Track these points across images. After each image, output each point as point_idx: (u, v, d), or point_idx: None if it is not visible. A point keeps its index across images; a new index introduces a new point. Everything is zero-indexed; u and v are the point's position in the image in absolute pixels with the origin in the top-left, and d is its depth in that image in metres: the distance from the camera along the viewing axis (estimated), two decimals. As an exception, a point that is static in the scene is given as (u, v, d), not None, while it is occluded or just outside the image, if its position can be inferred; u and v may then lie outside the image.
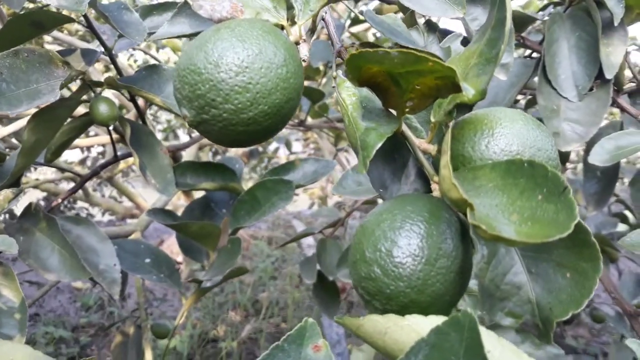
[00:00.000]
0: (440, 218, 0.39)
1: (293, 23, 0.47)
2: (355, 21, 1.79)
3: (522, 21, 1.03)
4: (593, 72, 0.88)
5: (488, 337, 0.33)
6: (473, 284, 0.43)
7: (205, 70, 0.39)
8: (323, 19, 0.48)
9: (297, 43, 0.45)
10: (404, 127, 0.44)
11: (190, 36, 0.51)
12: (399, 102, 0.41)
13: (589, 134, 0.86)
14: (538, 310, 0.39)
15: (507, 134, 0.42)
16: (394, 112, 0.43)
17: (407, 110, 0.41)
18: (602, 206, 1.01)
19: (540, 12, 1.31)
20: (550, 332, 0.38)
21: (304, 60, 0.44)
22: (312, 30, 0.47)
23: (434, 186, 0.43)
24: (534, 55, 1.05)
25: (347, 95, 0.42)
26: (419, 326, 0.34)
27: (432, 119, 0.43)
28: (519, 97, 1.54)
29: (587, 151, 1.02)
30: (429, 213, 0.39)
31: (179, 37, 0.49)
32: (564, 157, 1.26)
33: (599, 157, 0.83)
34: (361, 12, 1.27)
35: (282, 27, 0.47)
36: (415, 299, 0.37)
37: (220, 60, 0.39)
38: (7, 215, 1.85)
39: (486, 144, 0.42)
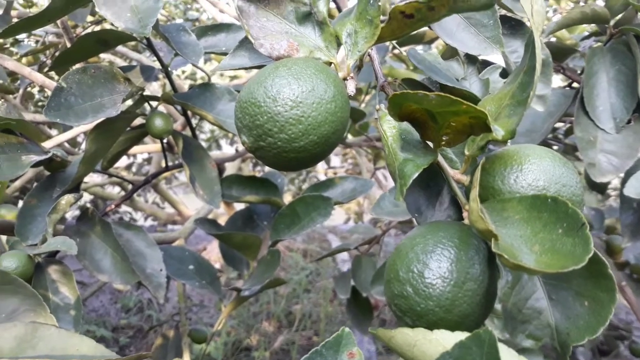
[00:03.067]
0: (470, 245, 0.43)
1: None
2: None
3: (563, 52, 1.05)
4: (631, 105, 0.89)
5: (507, 353, 0.37)
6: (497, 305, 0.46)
7: (264, 103, 0.44)
8: (369, 55, 0.53)
9: (345, 79, 0.50)
10: (440, 158, 0.47)
11: (250, 69, 0.56)
12: (435, 136, 0.45)
13: (625, 166, 0.87)
14: (557, 335, 0.42)
15: (534, 170, 0.45)
16: (430, 144, 0.47)
17: (443, 143, 0.45)
18: (639, 237, 1.01)
19: (582, 42, 1.33)
20: (567, 355, 0.41)
21: (350, 96, 0.48)
22: (358, 67, 0.52)
23: (465, 214, 0.46)
24: (574, 85, 1.07)
25: (388, 127, 0.46)
26: (445, 340, 0.38)
27: (466, 152, 0.47)
28: (559, 124, 1.55)
29: (624, 181, 1.03)
30: (459, 239, 0.43)
31: (239, 69, 0.55)
32: (601, 187, 1.27)
33: (635, 189, 0.84)
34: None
35: (331, 64, 0.51)
36: (443, 318, 0.41)
37: (277, 95, 0.44)
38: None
39: (515, 178, 0.45)
